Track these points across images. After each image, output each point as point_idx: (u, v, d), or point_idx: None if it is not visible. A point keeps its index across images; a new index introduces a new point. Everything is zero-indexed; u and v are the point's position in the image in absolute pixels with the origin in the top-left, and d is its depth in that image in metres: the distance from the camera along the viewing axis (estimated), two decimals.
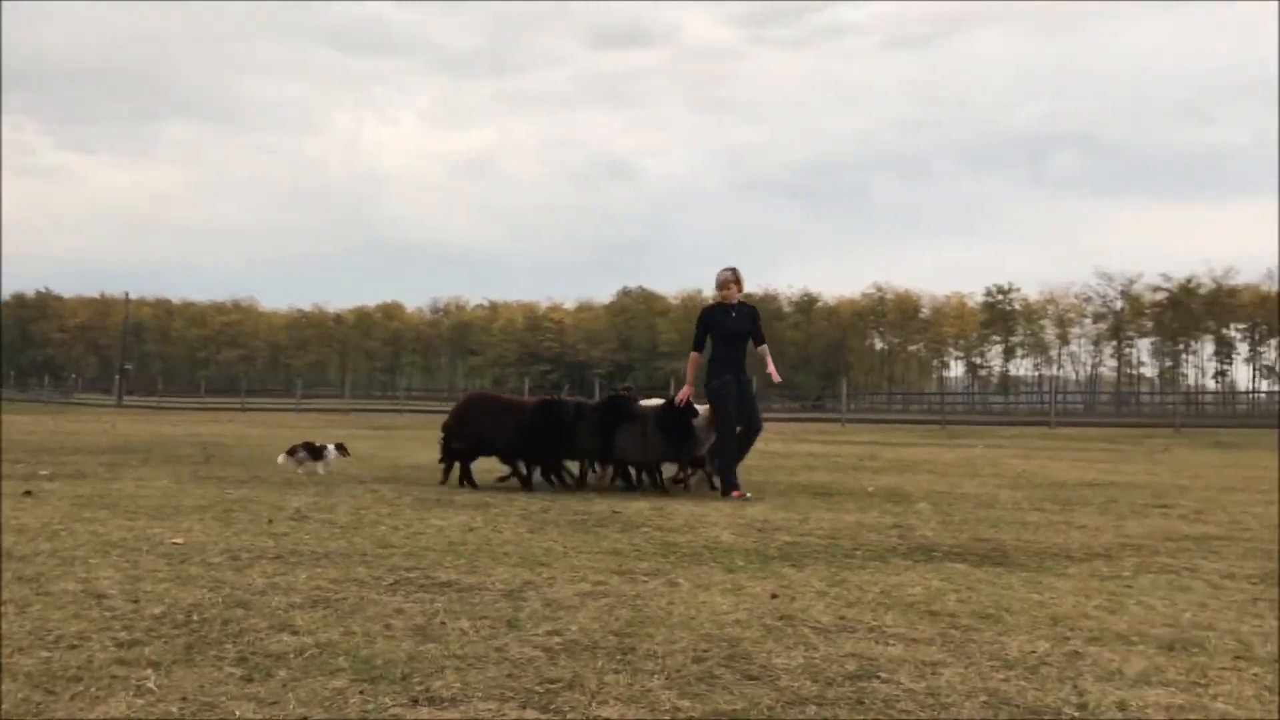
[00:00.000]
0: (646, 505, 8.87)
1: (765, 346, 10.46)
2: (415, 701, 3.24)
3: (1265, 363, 72.75)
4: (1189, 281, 71.63)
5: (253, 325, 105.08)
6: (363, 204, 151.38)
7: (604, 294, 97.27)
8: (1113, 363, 77.84)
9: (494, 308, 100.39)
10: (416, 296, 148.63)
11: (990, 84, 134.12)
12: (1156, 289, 73.03)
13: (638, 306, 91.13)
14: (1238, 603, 5.02)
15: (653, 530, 7.32)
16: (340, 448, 12.30)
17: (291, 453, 11.87)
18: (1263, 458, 18.91)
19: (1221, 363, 73.56)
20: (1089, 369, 79.50)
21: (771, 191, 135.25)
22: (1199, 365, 75.21)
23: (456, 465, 10.64)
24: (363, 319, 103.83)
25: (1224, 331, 72.74)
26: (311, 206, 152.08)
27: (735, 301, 10.29)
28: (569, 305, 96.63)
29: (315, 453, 11.81)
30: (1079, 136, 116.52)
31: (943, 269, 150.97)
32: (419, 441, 19.33)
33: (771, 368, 10.33)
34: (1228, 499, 10.40)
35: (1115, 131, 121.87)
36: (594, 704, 3.24)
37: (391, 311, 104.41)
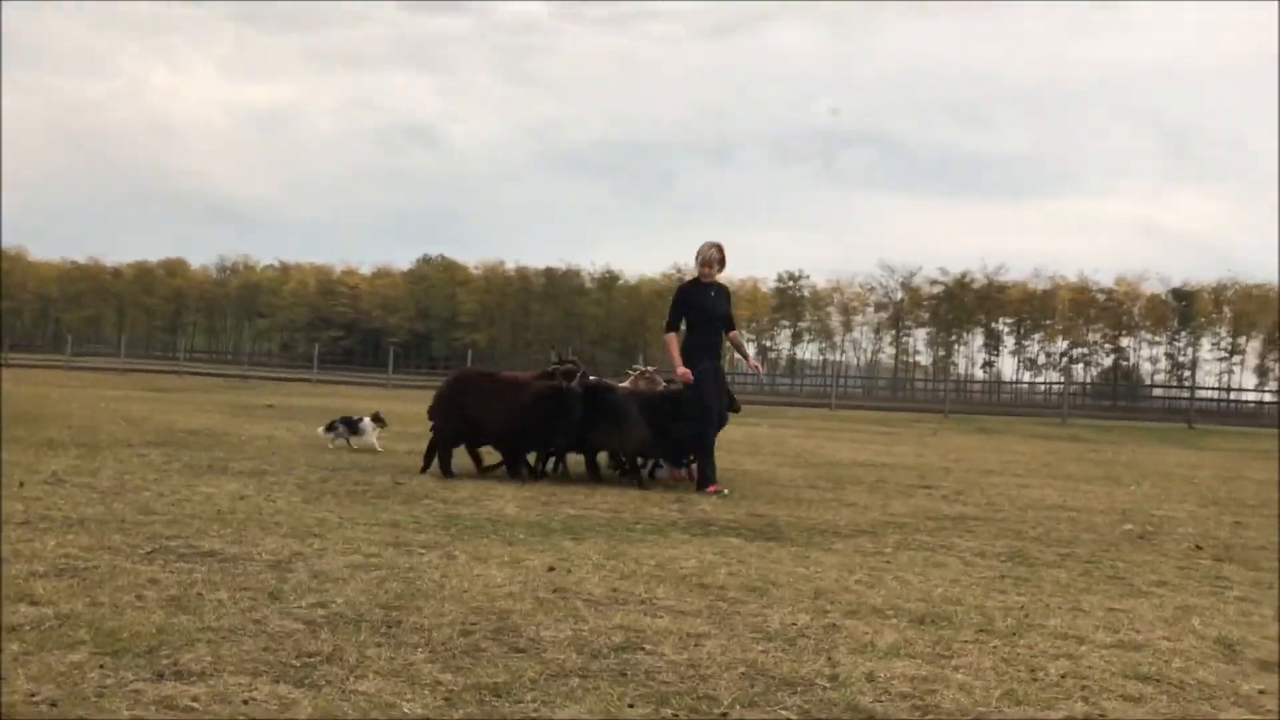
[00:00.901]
0: (430, 477, 8.73)
1: (738, 333, 9.76)
2: (160, 676, 3.07)
3: (1029, 355, 77.75)
4: (964, 276, 75.68)
5: (20, 276, 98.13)
6: (148, 154, 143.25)
7: (403, 261, 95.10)
8: (891, 350, 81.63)
9: (285, 269, 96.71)
10: (202, 253, 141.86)
11: (790, 78, 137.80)
12: (934, 282, 76.89)
13: (438, 275, 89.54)
14: (986, 579, 5.32)
15: (435, 503, 7.21)
16: (377, 419, 11.26)
17: (330, 428, 11.09)
18: (1021, 443, 20.21)
19: (990, 354, 78.18)
20: (869, 355, 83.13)
21: (578, 168, 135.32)
22: (969, 355, 79.71)
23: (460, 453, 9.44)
24: (143, 274, 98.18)
25: (993, 325, 77.24)
26: (90, 153, 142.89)
27: (714, 280, 9.40)
28: (365, 270, 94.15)
29: (352, 426, 11.00)
30: (869, 134, 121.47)
31: (740, 254, 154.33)
32: (195, 406, 18.48)
33: (753, 360, 9.85)
34: (986, 481, 11.05)
35: (902, 130, 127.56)
36: (352, 678, 3.15)
37: (174, 268, 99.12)
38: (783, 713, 3.05)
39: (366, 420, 11.10)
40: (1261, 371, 73.41)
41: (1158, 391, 68.17)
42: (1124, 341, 76.49)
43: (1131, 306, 75.05)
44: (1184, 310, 73.47)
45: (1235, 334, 74.01)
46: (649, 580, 4.79)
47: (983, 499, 9.28)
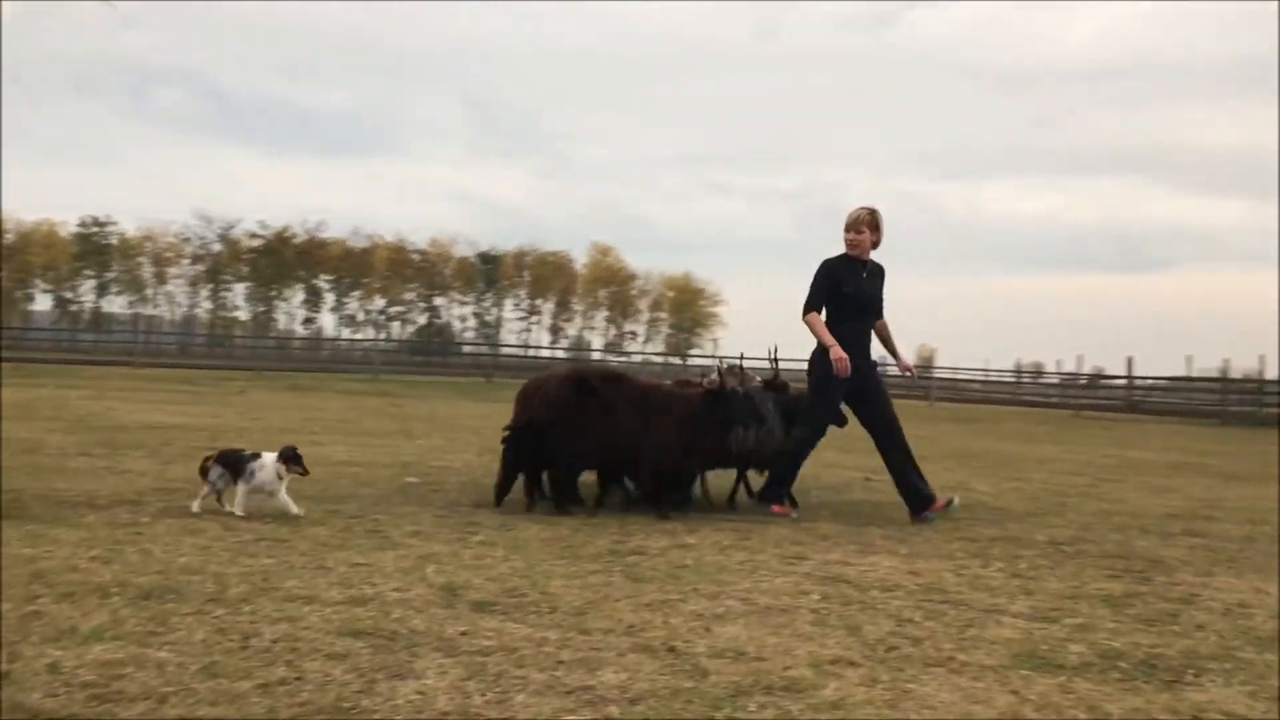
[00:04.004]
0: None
1: (885, 323, 7.58)
2: None
3: (348, 313, 79.23)
4: (284, 231, 74.97)
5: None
6: None
7: None
8: (209, 305, 78.55)
9: None
10: None
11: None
12: (254, 235, 75.18)
13: None
14: (240, 544, 5.18)
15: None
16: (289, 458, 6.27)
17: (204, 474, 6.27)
18: (329, 400, 20.44)
19: (310, 310, 78.41)
20: (186, 310, 79.27)
21: None
22: (290, 312, 79.27)
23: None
24: None
25: (314, 281, 77.55)
26: None
27: (868, 257, 7.41)
28: None
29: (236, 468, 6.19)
30: (186, 73, 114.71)
31: (32, 194, 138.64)
32: None
33: (903, 357, 7.67)
34: (280, 440, 10.87)
35: (223, 75, 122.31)
36: None
37: None
38: None
39: (264, 458, 6.24)
40: (554, 330, 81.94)
41: (467, 349, 73.14)
42: (437, 300, 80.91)
43: (444, 267, 79.58)
44: (490, 272, 79.52)
45: (533, 296, 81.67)
46: None
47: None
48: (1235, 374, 34.53)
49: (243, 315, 79.64)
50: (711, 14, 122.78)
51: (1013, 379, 45.18)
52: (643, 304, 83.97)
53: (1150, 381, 35.45)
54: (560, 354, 68.15)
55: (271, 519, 5.95)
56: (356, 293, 79.28)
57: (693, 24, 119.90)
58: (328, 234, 76.47)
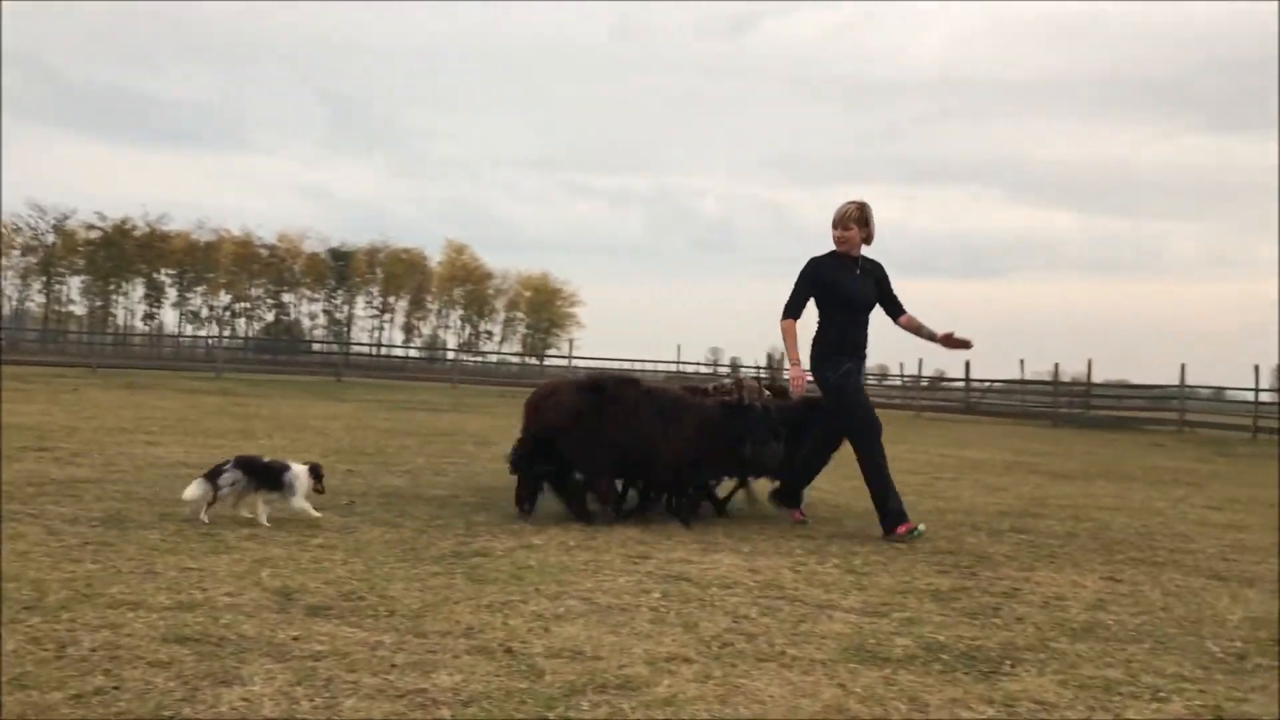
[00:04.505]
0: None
1: (908, 314, 7.19)
2: None
3: (192, 308, 76.45)
4: (124, 223, 71.86)
5: None
6: None
7: None
8: (42, 298, 74.75)
9: None
10: None
11: None
12: (91, 227, 71.85)
13: None
14: (65, 548, 4.98)
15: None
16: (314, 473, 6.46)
17: (213, 477, 6.07)
18: (168, 399, 19.69)
19: (151, 305, 75.37)
20: (16, 303, 75.29)
21: None
22: (129, 307, 76.11)
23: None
24: None
25: (155, 275, 74.57)
26: None
27: (859, 254, 7.05)
28: None
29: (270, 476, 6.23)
30: (19, 57, 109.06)
31: None
32: None
33: (943, 333, 7.10)
34: (112, 441, 10.51)
35: (60, 60, 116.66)
36: None
37: None
38: None
39: (296, 469, 6.37)
40: (408, 329, 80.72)
41: (317, 346, 71.43)
42: (286, 297, 78.77)
43: (293, 263, 77.53)
44: (341, 269, 77.83)
45: (386, 293, 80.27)
46: None
47: (101, 460, 8.79)
48: (1065, 377, 36.20)
49: (78, 310, 76.14)
50: (572, 15, 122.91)
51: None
52: (499, 303, 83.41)
53: (987, 384, 36.88)
54: (414, 353, 67.26)
55: (100, 523, 5.72)
56: (200, 288, 76.59)
57: (553, 25, 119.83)
58: (171, 227, 73.64)
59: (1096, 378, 34.54)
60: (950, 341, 7.09)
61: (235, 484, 6.05)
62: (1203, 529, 7.88)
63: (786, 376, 7.23)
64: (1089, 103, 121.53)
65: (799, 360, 6.86)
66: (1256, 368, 29.53)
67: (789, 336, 6.91)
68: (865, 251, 7.06)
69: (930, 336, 7.08)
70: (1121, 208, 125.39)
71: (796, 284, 6.95)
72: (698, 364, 39.12)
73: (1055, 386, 34.25)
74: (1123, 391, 36.61)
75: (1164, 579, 5.60)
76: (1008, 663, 3.78)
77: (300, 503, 6.20)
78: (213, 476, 6.01)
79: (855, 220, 6.90)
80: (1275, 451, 20.22)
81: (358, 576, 4.68)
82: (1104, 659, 3.89)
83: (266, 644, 3.53)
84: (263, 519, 6.07)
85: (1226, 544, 7.09)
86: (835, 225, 6.94)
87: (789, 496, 7.20)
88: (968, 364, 34.36)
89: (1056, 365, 33.96)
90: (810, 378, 6.93)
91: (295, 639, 3.60)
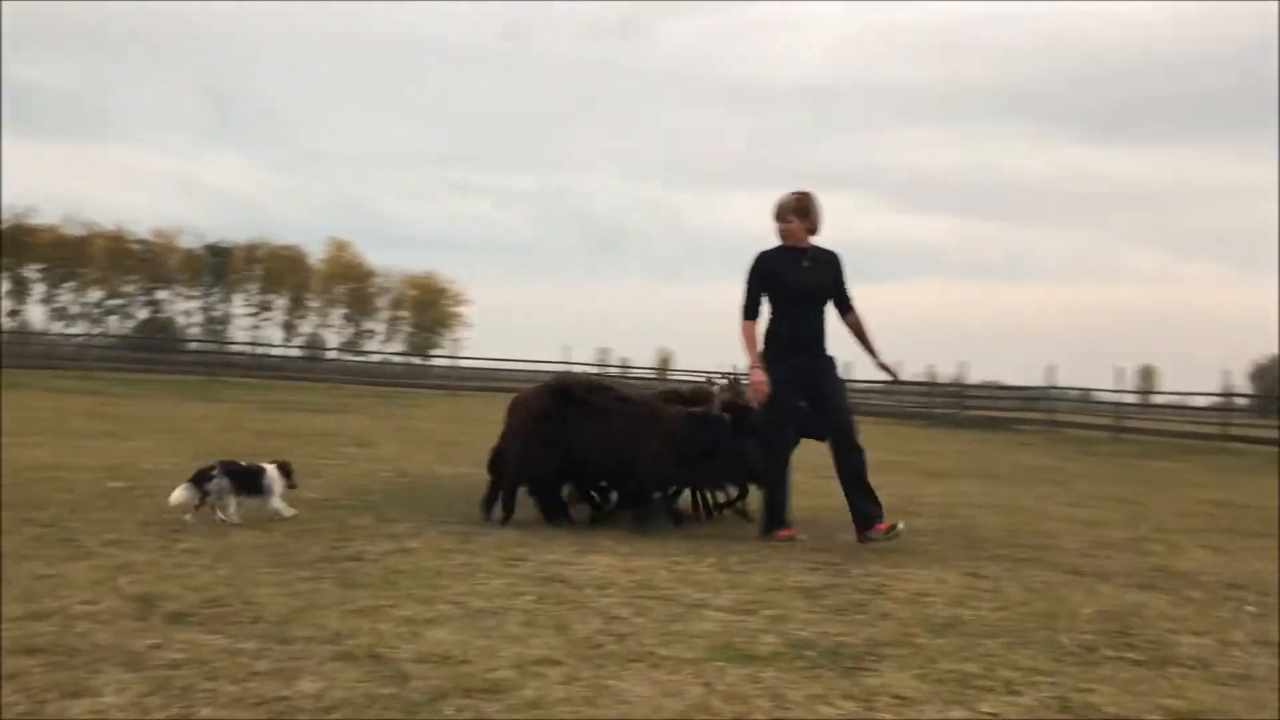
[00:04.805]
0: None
1: (857, 316, 6.93)
2: None
3: (60, 305, 73.61)
4: None
5: None
6: None
7: None
8: None
9: None
10: None
11: None
12: None
13: None
14: None
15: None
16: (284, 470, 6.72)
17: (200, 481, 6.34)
18: (37, 399, 18.95)
19: (17, 302, 72.36)
20: None
21: None
22: None
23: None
24: None
25: (21, 271, 71.63)
26: None
27: (807, 244, 6.79)
28: None
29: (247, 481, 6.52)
30: None
31: None
32: None
33: (880, 355, 6.99)
34: None
35: None
36: None
37: None
38: None
39: (270, 470, 6.59)
40: (288, 327, 78.98)
41: (192, 345, 69.38)
42: (160, 294, 76.39)
43: (168, 259, 75.22)
44: (218, 266, 75.76)
45: (265, 291, 78.39)
46: None
47: None
48: (940, 379, 37.21)
49: None
50: (461, 13, 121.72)
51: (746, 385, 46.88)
52: (382, 302, 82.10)
53: (865, 385, 37.70)
54: (294, 352, 65.88)
55: None
56: (70, 284, 73.76)
57: (442, 22, 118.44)
58: (37, 220, 70.73)
59: (971, 379, 35.63)
60: (883, 367, 7.11)
61: (222, 489, 6.26)
62: (1065, 526, 8.19)
63: (745, 382, 7.15)
64: (971, 113, 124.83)
65: (757, 364, 6.68)
66: (1120, 370, 30.91)
67: (745, 338, 6.76)
68: (816, 241, 6.86)
69: (868, 349, 7.01)
70: (999, 213, 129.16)
71: (746, 283, 6.80)
72: (585, 364, 39.15)
73: (930, 388, 35.17)
74: (995, 392, 37.80)
75: (1025, 575, 5.79)
76: (870, 658, 3.88)
77: (277, 503, 6.46)
78: (200, 482, 6.21)
79: (794, 211, 6.73)
80: (1136, 451, 21.11)
81: (223, 582, 4.58)
82: (962, 653, 4.01)
83: (122, 653, 3.42)
84: (234, 518, 6.26)
85: (1086, 540, 7.36)
86: (775, 218, 6.79)
87: (770, 519, 6.84)
88: (848, 365, 35.06)
89: (931, 366, 34.96)
90: (765, 381, 6.65)
91: (153, 647, 3.50)
